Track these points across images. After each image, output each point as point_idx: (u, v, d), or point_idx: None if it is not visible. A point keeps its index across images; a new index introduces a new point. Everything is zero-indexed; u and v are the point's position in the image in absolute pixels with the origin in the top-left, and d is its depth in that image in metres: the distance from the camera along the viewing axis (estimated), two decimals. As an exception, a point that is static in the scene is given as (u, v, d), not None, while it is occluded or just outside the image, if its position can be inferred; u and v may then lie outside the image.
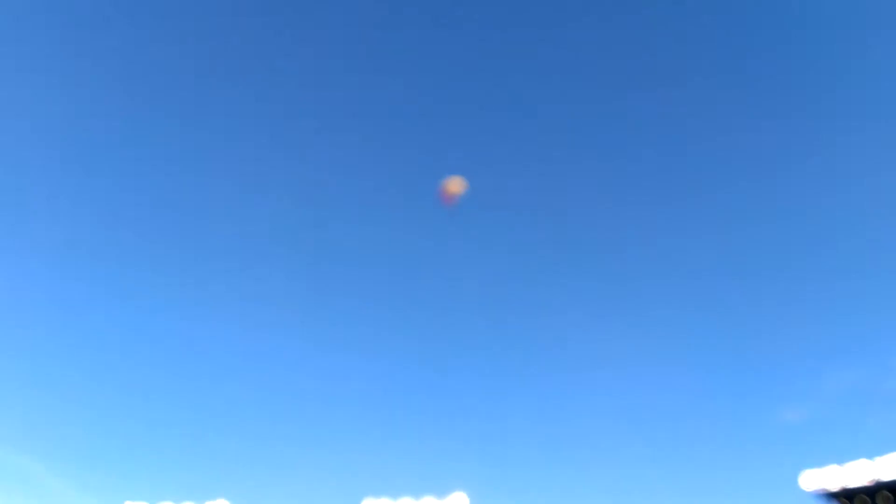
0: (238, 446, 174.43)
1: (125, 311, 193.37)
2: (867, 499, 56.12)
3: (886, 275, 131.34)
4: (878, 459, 55.94)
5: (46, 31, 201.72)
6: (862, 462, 57.17)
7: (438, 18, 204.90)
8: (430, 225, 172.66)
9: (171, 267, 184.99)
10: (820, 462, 61.73)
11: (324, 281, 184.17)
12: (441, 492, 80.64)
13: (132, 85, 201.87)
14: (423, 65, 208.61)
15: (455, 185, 54.60)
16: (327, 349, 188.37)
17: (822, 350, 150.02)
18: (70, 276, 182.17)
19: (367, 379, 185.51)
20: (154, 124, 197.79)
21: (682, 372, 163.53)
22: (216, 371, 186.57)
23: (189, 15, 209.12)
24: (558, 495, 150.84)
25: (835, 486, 58.01)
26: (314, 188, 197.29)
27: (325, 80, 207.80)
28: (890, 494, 54.98)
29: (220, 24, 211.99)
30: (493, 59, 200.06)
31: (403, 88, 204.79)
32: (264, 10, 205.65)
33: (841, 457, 62.39)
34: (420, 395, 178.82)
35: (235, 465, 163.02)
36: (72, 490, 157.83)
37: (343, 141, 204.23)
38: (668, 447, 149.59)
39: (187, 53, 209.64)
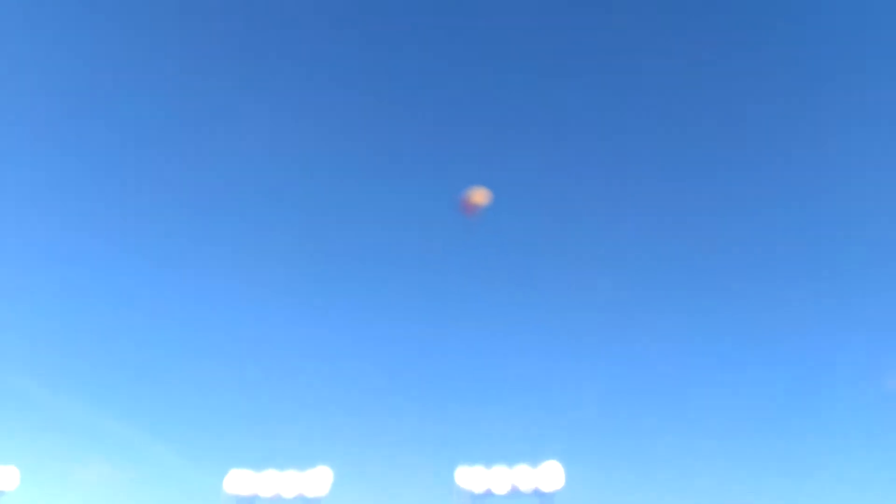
0: (336, 415, 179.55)
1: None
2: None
3: None
4: None
5: (47, 30, 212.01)
6: None
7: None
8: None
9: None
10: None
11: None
12: (534, 460, 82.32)
13: (135, 83, 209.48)
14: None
15: (478, 195, 53.91)
16: (420, 319, 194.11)
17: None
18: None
19: (457, 346, 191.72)
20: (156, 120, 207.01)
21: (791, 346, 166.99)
22: (311, 343, 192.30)
23: (189, 13, 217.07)
24: (653, 469, 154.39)
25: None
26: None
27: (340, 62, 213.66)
28: None
29: (220, 21, 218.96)
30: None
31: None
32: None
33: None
34: (511, 363, 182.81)
35: (334, 434, 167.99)
36: (177, 458, 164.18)
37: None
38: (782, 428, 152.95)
39: (189, 51, 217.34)
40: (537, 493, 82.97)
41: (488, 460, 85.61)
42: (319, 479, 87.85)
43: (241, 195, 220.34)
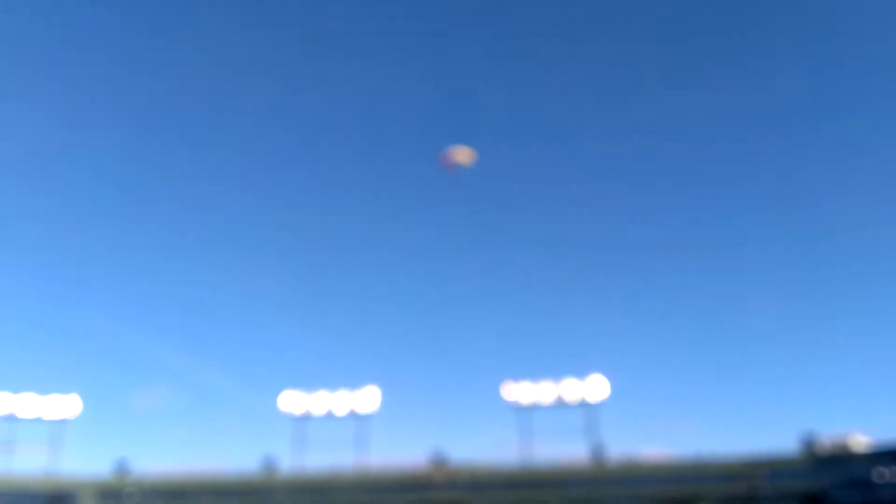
0: (386, 334, 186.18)
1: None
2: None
3: None
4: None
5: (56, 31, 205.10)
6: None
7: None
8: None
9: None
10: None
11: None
12: (580, 373, 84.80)
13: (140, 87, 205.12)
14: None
15: (461, 153, 51.91)
16: (472, 239, 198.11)
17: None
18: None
19: (505, 261, 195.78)
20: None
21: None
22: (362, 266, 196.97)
23: (193, 18, 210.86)
24: (703, 378, 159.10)
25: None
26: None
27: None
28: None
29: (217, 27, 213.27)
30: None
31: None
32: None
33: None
34: (558, 275, 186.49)
35: (384, 354, 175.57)
36: (232, 383, 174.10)
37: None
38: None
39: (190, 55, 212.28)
40: (583, 404, 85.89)
41: (535, 376, 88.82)
42: (369, 397, 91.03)
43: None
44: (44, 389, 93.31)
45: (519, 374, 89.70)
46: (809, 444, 78.52)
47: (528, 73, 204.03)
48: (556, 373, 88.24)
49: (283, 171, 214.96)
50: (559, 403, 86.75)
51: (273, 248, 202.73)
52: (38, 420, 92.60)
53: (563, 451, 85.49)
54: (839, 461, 76.23)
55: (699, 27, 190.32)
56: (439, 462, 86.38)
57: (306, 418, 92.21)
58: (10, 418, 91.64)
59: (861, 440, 77.94)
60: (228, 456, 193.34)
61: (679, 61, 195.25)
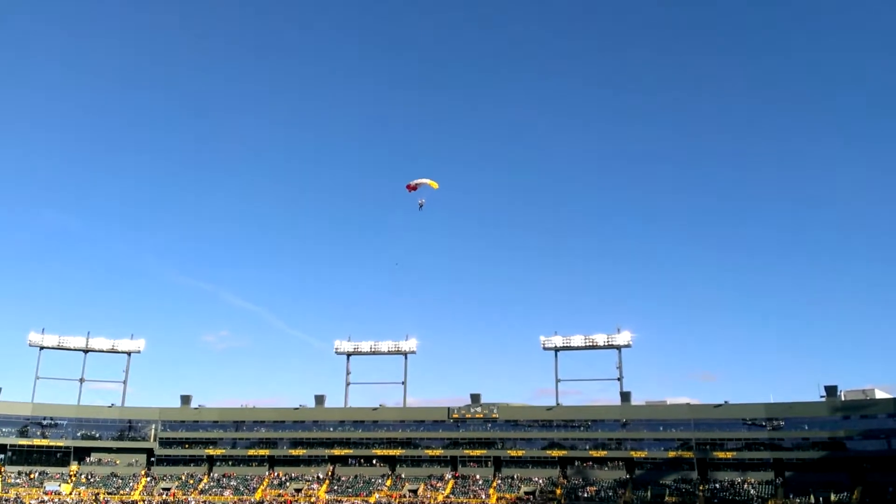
0: (426, 290, 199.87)
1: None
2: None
3: None
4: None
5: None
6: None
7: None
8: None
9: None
10: None
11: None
12: (611, 329, 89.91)
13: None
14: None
15: (426, 181, 60.25)
16: (506, 205, 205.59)
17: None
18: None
19: (533, 226, 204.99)
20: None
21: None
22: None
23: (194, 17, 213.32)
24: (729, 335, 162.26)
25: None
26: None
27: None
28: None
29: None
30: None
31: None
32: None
33: None
34: (590, 240, 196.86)
35: (424, 308, 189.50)
36: (292, 330, 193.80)
37: None
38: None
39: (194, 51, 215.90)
40: (612, 351, 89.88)
41: (566, 330, 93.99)
42: (410, 345, 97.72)
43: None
44: (117, 333, 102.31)
45: (553, 331, 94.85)
46: (832, 395, 79.94)
47: None
48: (587, 328, 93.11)
49: (324, 138, 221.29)
50: (590, 349, 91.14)
51: (325, 213, 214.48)
52: (113, 358, 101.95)
53: (593, 395, 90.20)
54: (861, 412, 77.87)
55: None
56: (475, 401, 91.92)
57: (356, 361, 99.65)
58: (91, 357, 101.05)
59: (883, 392, 79.23)
60: (285, 392, 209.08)
61: None
